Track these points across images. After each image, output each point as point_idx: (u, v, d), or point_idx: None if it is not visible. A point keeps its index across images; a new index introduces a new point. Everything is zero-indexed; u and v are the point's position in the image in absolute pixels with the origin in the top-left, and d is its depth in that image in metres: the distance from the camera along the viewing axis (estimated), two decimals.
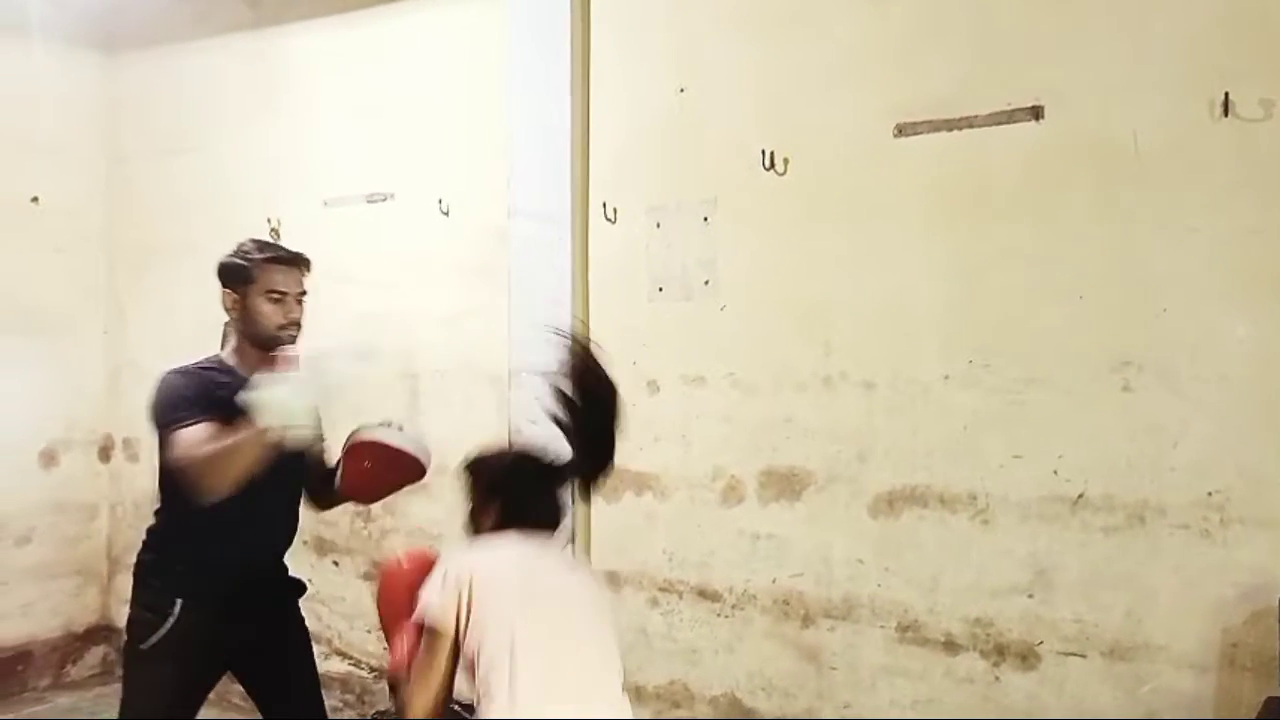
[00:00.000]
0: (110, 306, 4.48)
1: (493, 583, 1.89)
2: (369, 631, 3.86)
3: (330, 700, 2.92)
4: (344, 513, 3.90)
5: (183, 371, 2.31)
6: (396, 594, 2.03)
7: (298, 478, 2.46)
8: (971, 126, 2.77)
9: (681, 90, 3.24)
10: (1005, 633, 2.74)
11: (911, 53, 2.88)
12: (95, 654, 4.40)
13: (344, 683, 3.98)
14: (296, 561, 3.99)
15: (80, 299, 4.41)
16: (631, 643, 3.31)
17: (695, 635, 3.21)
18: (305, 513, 3.92)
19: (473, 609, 1.84)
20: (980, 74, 2.78)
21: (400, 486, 2.55)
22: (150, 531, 2.41)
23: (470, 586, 1.86)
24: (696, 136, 3.22)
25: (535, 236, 3.41)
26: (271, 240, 2.46)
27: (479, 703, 1.82)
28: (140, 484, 4.35)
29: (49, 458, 4.24)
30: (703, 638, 3.20)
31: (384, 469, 2.43)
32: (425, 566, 2.02)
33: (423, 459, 2.45)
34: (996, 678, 2.75)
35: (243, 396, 2.11)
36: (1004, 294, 2.75)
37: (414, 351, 3.75)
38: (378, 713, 3.57)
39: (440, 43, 3.75)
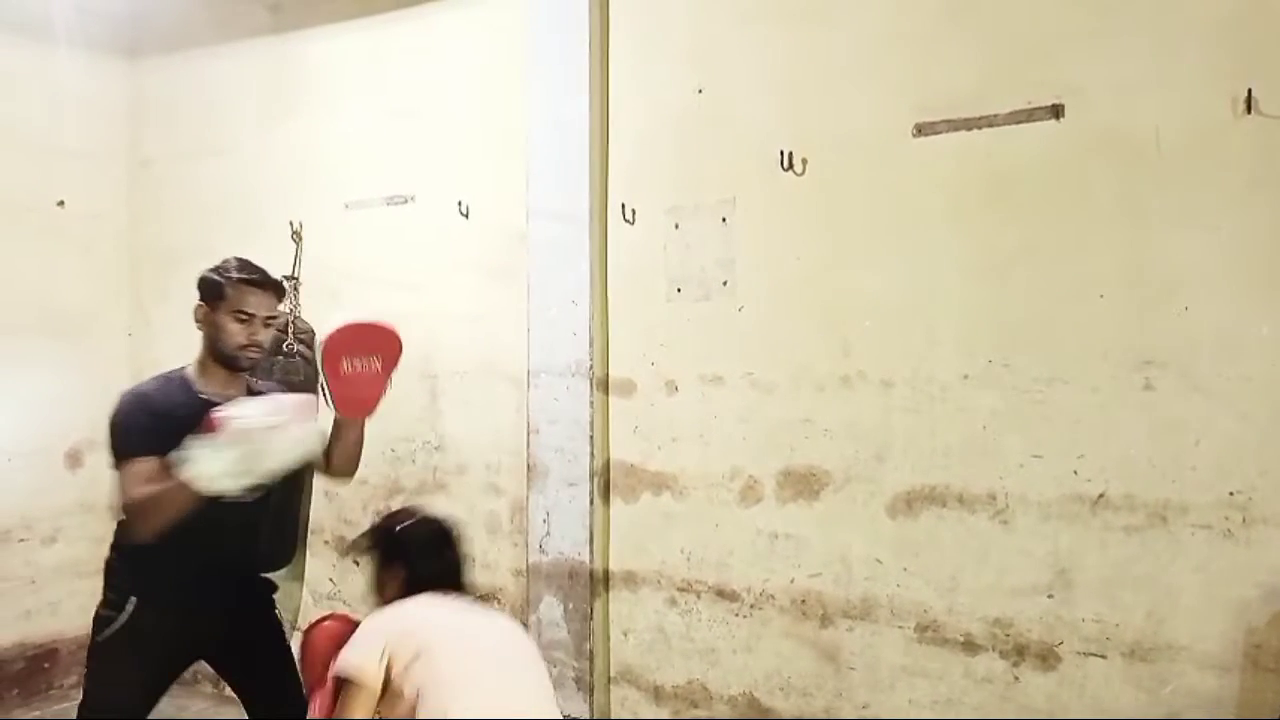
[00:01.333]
0: (134, 308, 4.53)
1: (421, 631, 2.01)
2: None
3: None
4: (365, 512, 3.93)
5: (139, 395, 2.39)
6: (316, 655, 2.16)
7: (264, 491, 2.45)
8: (991, 125, 2.77)
9: (700, 91, 3.25)
10: (1025, 633, 2.73)
11: (930, 52, 2.88)
12: None
13: None
14: (320, 562, 4.06)
15: (105, 301, 4.46)
16: (650, 642, 3.33)
17: (713, 635, 3.22)
18: (327, 513, 3.97)
19: (403, 658, 1.95)
20: (1000, 72, 2.78)
21: (389, 366, 2.48)
22: (115, 534, 2.48)
23: (397, 638, 1.98)
24: (715, 137, 3.23)
25: (554, 238, 3.43)
26: (254, 263, 2.49)
27: None
28: None
29: (74, 458, 4.29)
30: (721, 637, 3.20)
31: (365, 352, 2.43)
32: (346, 629, 2.15)
33: (388, 325, 2.47)
34: (1016, 678, 2.74)
35: (180, 451, 2.17)
36: (1024, 293, 2.75)
37: (434, 352, 3.77)
38: None
39: (459, 46, 3.77)
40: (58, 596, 4.24)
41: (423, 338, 3.81)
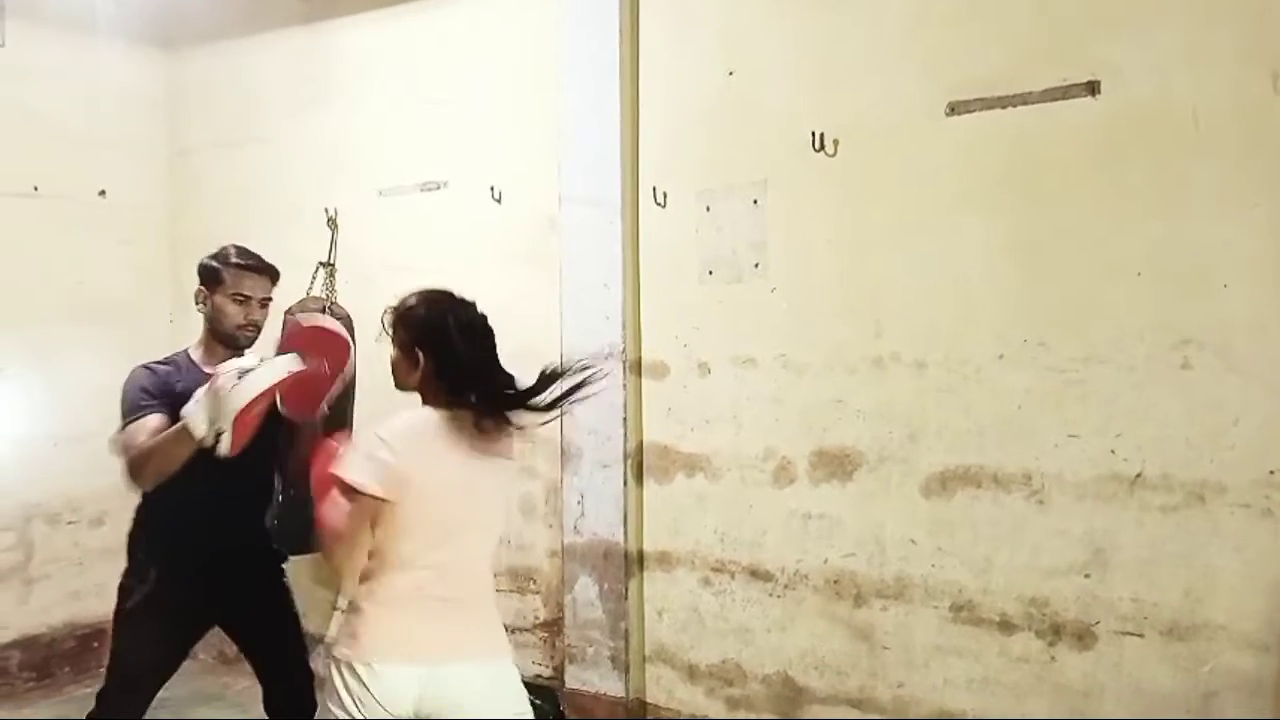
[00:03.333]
0: (174, 296, 4.60)
1: (417, 470, 2.00)
2: None
3: None
4: None
5: (146, 367, 2.56)
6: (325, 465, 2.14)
7: (262, 458, 2.58)
8: (1025, 104, 2.75)
9: (730, 73, 3.25)
10: (1061, 612, 2.73)
11: (963, 29, 2.86)
12: None
13: None
14: None
15: (146, 289, 4.54)
16: (684, 622, 3.36)
17: (747, 615, 3.24)
18: None
19: (392, 481, 1.97)
20: (1034, 50, 2.76)
21: (335, 369, 2.53)
22: (136, 509, 2.64)
23: (394, 461, 1.98)
24: (745, 119, 3.23)
25: (586, 222, 3.45)
26: (251, 249, 2.65)
27: (367, 573, 2.04)
28: None
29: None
30: (755, 617, 3.23)
31: (314, 355, 2.47)
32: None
33: (337, 329, 2.61)
34: (1052, 658, 2.74)
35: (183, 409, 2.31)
36: (1060, 272, 2.73)
37: None
38: None
39: (490, 32, 3.79)
40: (104, 578, 4.30)
41: None
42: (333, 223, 4.11)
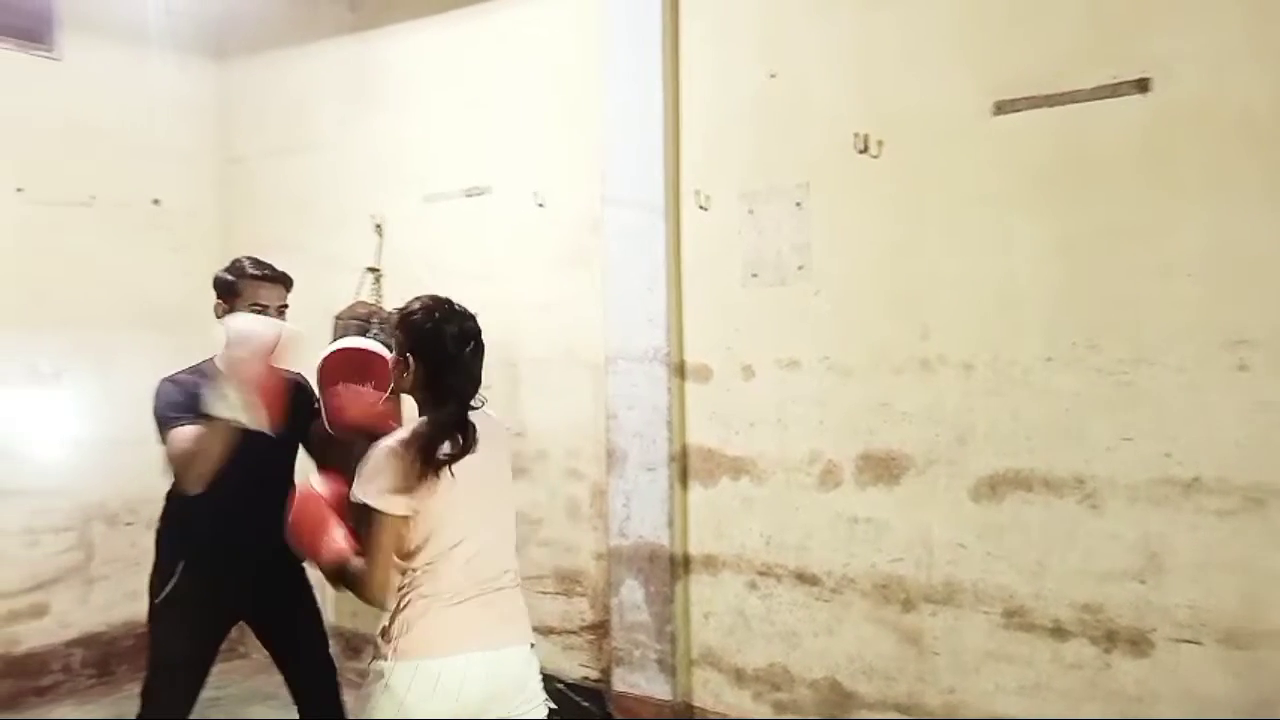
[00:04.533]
0: None
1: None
2: None
3: None
4: None
5: (172, 379, 2.64)
6: (315, 507, 2.20)
7: (282, 461, 2.73)
8: (1074, 101, 2.71)
9: (772, 75, 3.24)
10: (1115, 619, 2.69)
11: (1009, 26, 2.82)
12: None
13: None
14: None
15: (199, 295, 4.59)
16: (730, 625, 3.36)
17: (794, 618, 3.23)
18: None
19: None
20: (1083, 46, 2.72)
21: (380, 390, 2.53)
22: (163, 508, 2.74)
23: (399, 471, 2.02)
24: (788, 121, 3.22)
25: (629, 225, 3.47)
26: (264, 260, 2.75)
27: (408, 568, 2.08)
28: None
29: None
30: (802, 621, 3.22)
31: (358, 377, 2.55)
32: (336, 491, 2.22)
33: (376, 348, 2.61)
34: (1107, 664, 2.70)
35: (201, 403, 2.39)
36: (1110, 273, 2.69)
37: (513, 340, 3.84)
38: None
39: (533, 37, 3.82)
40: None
41: (501, 326, 3.87)
42: (379, 228, 4.17)
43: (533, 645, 2.25)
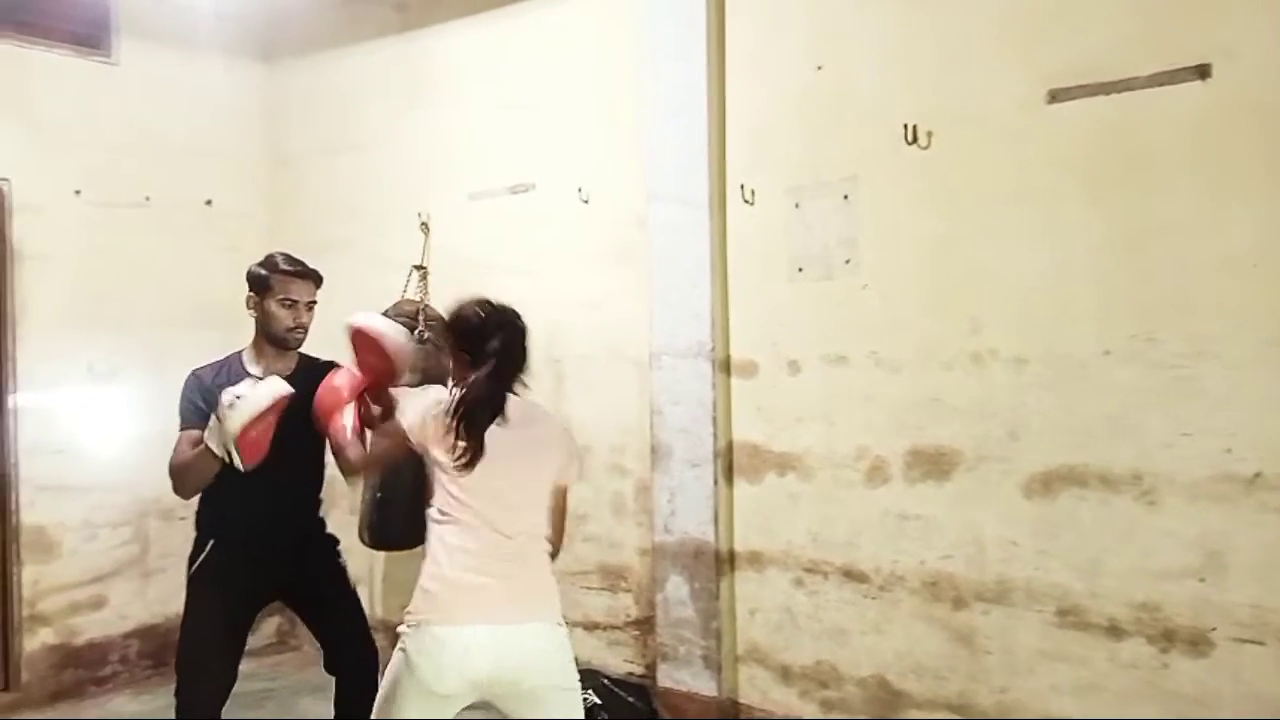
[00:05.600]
0: None
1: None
2: None
3: None
4: None
5: (196, 375, 2.77)
6: (336, 391, 2.45)
7: (309, 450, 2.78)
8: (1131, 89, 2.65)
9: (819, 68, 3.22)
10: (1174, 618, 2.62)
11: (1063, 13, 2.77)
12: (270, 624, 4.73)
13: None
14: None
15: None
16: (777, 622, 3.34)
17: (842, 616, 3.20)
18: None
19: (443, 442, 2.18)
20: (1139, 33, 2.65)
21: (396, 370, 2.61)
22: (204, 489, 2.84)
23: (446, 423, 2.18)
24: (835, 114, 3.19)
25: (674, 220, 3.46)
26: (296, 256, 2.86)
27: (428, 529, 2.23)
28: None
29: None
30: (850, 618, 3.19)
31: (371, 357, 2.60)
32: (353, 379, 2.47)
33: (377, 331, 2.61)
34: (1165, 664, 2.64)
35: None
36: (1169, 265, 2.62)
37: (558, 337, 3.86)
38: None
39: (577, 34, 3.83)
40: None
41: (546, 323, 3.89)
42: (425, 226, 4.21)
43: (560, 625, 2.29)
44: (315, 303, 2.82)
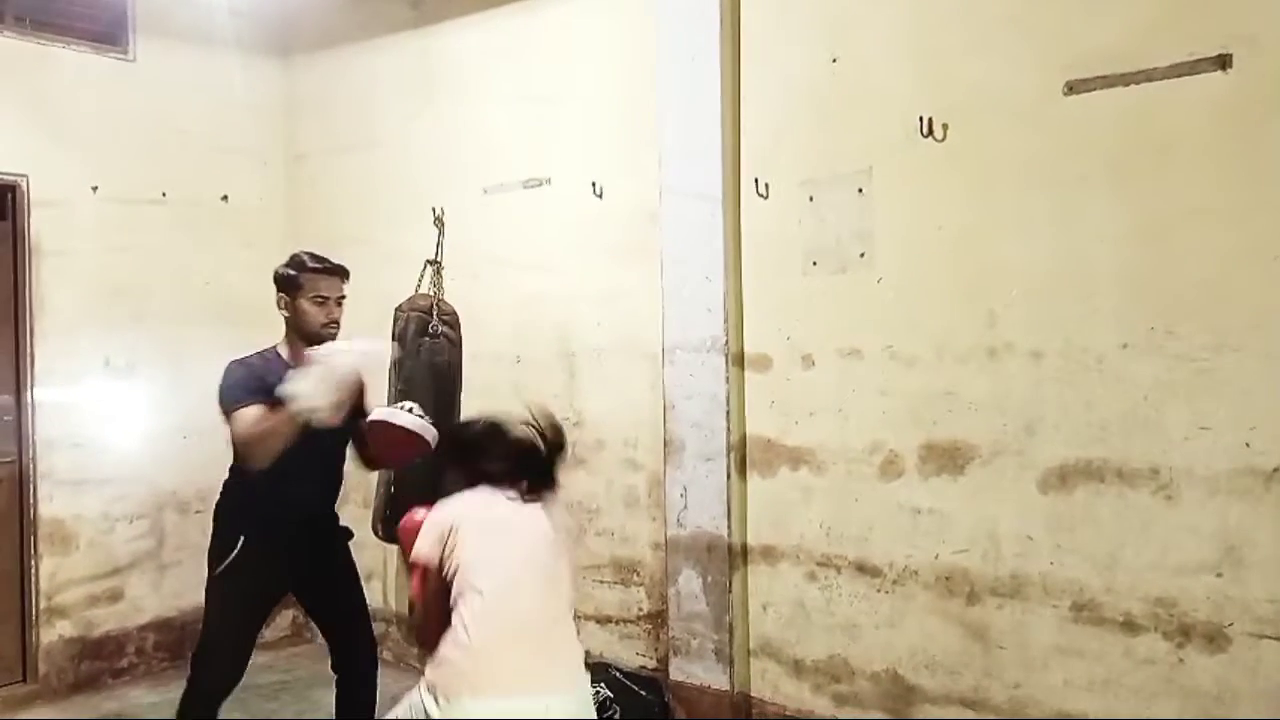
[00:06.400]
0: None
1: (463, 519, 2.30)
2: None
3: None
4: None
5: (242, 362, 2.80)
6: (408, 540, 2.42)
7: (337, 444, 2.89)
8: (1150, 80, 2.62)
9: (834, 60, 3.20)
10: (1190, 613, 2.60)
11: (1081, 1, 2.74)
12: (285, 617, 4.75)
13: None
14: None
15: (267, 289, 4.67)
16: (789, 616, 3.33)
17: (854, 610, 3.19)
18: None
19: (450, 541, 2.26)
20: (1158, 22, 2.63)
21: (413, 457, 2.88)
22: (224, 484, 2.91)
23: (446, 525, 2.29)
24: (850, 107, 3.17)
25: (687, 214, 3.45)
26: (320, 253, 2.92)
27: (453, 610, 2.24)
28: None
29: None
30: (863, 613, 3.17)
31: (396, 443, 2.82)
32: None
33: (426, 435, 2.80)
34: (1181, 660, 2.61)
35: (279, 389, 2.58)
36: (1189, 256, 2.60)
37: (571, 331, 3.86)
38: None
39: (591, 28, 3.82)
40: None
41: (560, 316, 3.90)
42: (439, 221, 4.21)
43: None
44: (345, 297, 2.86)
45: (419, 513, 2.47)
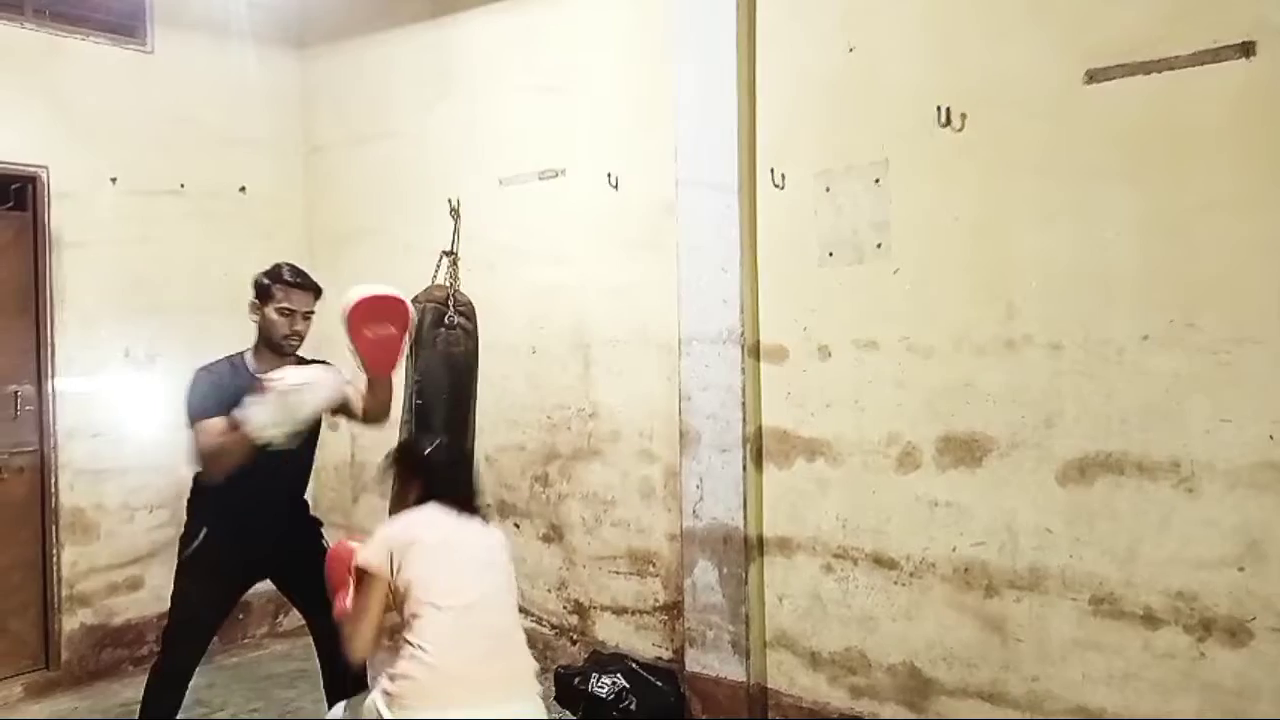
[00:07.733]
0: None
1: (415, 538, 2.35)
2: (549, 591, 4.03)
3: None
4: (523, 478, 4.08)
5: (209, 370, 2.89)
6: (340, 564, 2.54)
7: (303, 439, 2.90)
8: (1171, 69, 2.59)
9: (850, 50, 3.18)
10: (1211, 607, 2.58)
11: None
12: None
13: (528, 639, 4.16)
14: None
15: None
16: (806, 608, 3.32)
17: (871, 602, 3.18)
18: (488, 479, 4.13)
19: (402, 559, 2.30)
20: (1181, 8, 2.59)
21: (402, 330, 2.87)
22: (193, 479, 3.01)
23: (398, 540, 2.34)
24: (867, 97, 3.15)
25: (703, 206, 3.44)
26: (301, 267, 2.99)
27: (406, 627, 2.30)
28: (341, 450, 4.68)
29: None
30: (879, 605, 3.16)
31: (381, 320, 2.81)
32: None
33: (396, 292, 2.85)
34: (1201, 654, 2.59)
35: (236, 411, 2.65)
36: (1210, 247, 2.57)
37: (587, 322, 3.86)
38: (560, 667, 3.72)
39: (606, 20, 3.81)
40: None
41: (575, 308, 3.90)
42: (455, 212, 4.22)
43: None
44: (312, 313, 2.93)
45: (349, 542, 2.57)
